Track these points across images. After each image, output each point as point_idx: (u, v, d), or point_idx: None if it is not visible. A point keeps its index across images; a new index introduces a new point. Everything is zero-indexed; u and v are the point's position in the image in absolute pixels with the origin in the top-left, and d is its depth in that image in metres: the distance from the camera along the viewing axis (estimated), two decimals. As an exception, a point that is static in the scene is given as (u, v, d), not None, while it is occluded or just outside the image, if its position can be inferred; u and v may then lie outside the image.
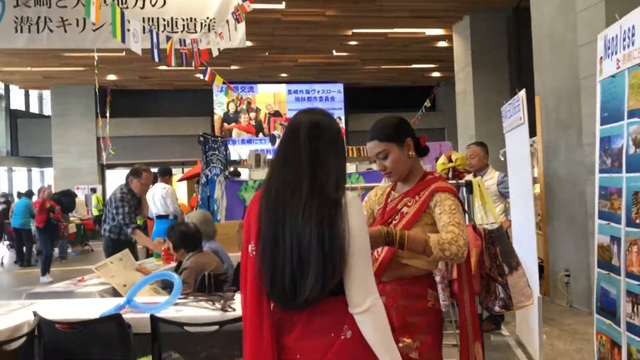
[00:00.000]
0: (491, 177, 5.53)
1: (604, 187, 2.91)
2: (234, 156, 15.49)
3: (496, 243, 2.91)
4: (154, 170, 8.94)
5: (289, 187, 1.68)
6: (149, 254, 7.78)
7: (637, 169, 2.57)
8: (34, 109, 22.37)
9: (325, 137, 1.74)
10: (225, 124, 19.49)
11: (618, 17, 2.78)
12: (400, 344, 2.31)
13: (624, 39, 2.66)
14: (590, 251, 5.85)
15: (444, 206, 2.24)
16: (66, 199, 12.05)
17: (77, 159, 19.09)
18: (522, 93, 4.49)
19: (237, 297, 3.32)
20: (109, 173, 20.28)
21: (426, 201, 2.30)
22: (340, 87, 19.74)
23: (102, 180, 20.01)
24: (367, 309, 1.64)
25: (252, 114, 19.21)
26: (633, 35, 2.59)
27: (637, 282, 2.55)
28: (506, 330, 5.49)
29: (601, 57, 2.95)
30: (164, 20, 7.17)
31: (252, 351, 1.70)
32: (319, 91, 19.74)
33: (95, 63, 9.22)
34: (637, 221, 2.54)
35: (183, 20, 7.25)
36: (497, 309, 2.95)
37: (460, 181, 3.46)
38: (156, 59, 6.30)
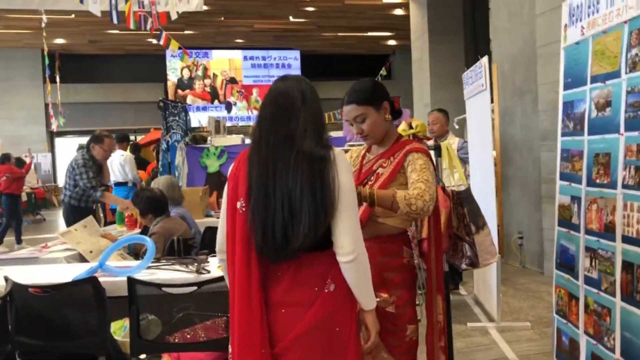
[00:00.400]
0: (452, 143, 5.67)
1: (565, 150, 3.05)
2: (194, 123, 15.22)
3: (464, 204, 3.02)
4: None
5: (279, 147, 1.75)
6: (106, 222, 7.66)
7: (598, 132, 2.70)
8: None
9: (309, 98, 1.82)
10: (180, 91, 19.09)
11: (582, -15, 2.88)
12: (378, 299, 2.40)
13: (589, 6, 2.77)
14: (544, 214, 6.12)
15: (415, 165, 2.32)
16: None
17: (24, 126, 18.42)
18: (485, 60, 4.60)
19: (211, 260, 3.36)
20: (58, 141, 19.68)
21: (400, 162, 2.37)
22: (297, 54, 19.59)
23: (52, 148, 19.39)
24: (355, 258, 1.75)
25: (207, 81, 18.88)
26: (598, 2, 2.69)
27: (595, 238, 2.71)
28: (464, 290, 5.73)
29: (566, 24, 3.05)
30: (122, -20, 6.93)
31: (240, 307, 1.75)
32: (275, 58, 19.54)
33: (44, 25, 8.82)
34: (597, 181, 2.69)
35: (141, -19, 7.02)
36: (464, 266, 3.08)
37: (429, 144, 3.55)
38: (115, 21, 6.11)
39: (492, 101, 7.19)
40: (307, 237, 1.71)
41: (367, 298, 1.86)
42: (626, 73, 2.48)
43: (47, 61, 9.76)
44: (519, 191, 6.95)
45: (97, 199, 5.40)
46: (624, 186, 2.48)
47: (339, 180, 1.74)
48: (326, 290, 1.76)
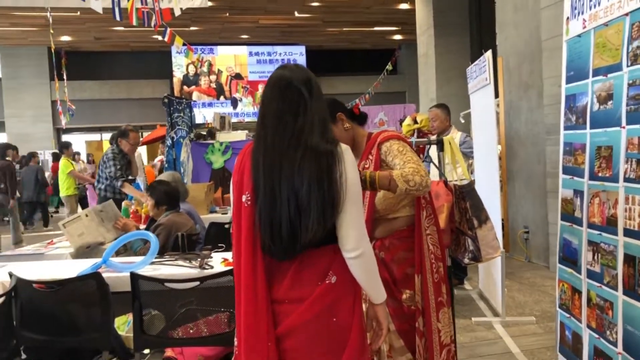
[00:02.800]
0: (455, 138, 5.65)
1: (568, 144, 3.04)
2: (198, 119, 15.28)
3: (467, 198, 3.02)
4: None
5: (286, 144, 1.73)
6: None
7: (600, 125, 2.69)
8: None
9: (315, 92, 1.80)
10: (185, 87, 19.13)
11: (584, -22, 2.86)
12: (404, 296, 2.41)
13: (591, -1, 2.75)
14: (549, 208, 6.10)
15: (393, 151, 2.32)
16: None
17: (31, 124, 18.49)
18: (488, 54, 4.58)
19: (214, 255, 3.37)
20: (65, 138, 19.74)
21: (377, 154, 2.36)
22: (302, 49, 19.57)
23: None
24: (361, 254, 1.74)
25: (213, 77, 18.89)
26: (599, -5, 2.68)
27: (598, 232, 2.69)
28: (469, 285, 5.72)
29: (568, 17, 3.03)
30: (125, -23, 6.93)
31: (247, 299, 1.75)
32: (280, 53, 19.54)
33: (50, 21, 8.84)
34: (600, 174, 2.68)
35: (144, -23, 7.02)
36: (466, 260, 3.08)
37: (432, 138, 3.54)
38: (117, 18, 6.13)
39: (497, 95, 7.18)
40: (315, 234, 1.70)
41: (376, 292, 1.85)
42: (627, 66, 2.46)
43: (53, 58, 9.77)
44: (525, 185, 6.93)
45: (119, 189, 5.60)
46: (626, 179, 2.46)
47: (346, 175, 1.73)
48: (327, 282, 1.76)
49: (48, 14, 8.91)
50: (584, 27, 2.84)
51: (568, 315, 3.05)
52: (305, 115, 1.74)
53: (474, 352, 3.95)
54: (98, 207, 4.21)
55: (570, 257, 3.00)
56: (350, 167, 1.75)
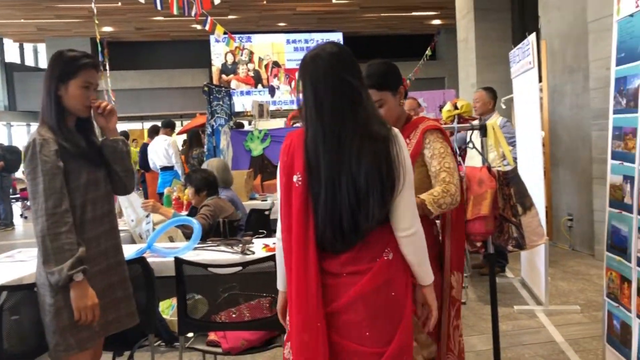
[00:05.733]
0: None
1: (617, 128, 2.94)
2: (237, 107, 15.36)
3: (511, 184, 2.97)
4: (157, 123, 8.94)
5: (345, 131, 1.72)
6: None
7: (653, 108, 2.60)
8: (29, 62, 22.04)
9: (364, 79, 1.81)
10: (224, 76, 19.28)
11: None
12: None
13: (644, -23, 2.64)
14: (594, 195, 5.94)
15: (434, 150, 2.27)
16: (11, 157, 10.97)
17: (75, 114, 18.93)
18: (533, 37, 4.47)
19: (255, 241, 3.40)
20: (108, 127, 20.18)
21: (420, 141, 2.31)
22: (339, 36, 19.46)
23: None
24: (414, 233, 1.78)
25: (251, 65, 18.97)
26: (653, -28, 2.57)
27: (649, 219, 2.61)
28: (511, 273, 5.63)
29: (618, -4, 2.93)
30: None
31: (298, 277, 1.75)
32: (318, 41, 19.45)
33: (95, 12, 9.01)
34: (651, 159, 2.59)
35: (184, -34, 7.07)
36: (510, 248, 3.03)
37: (474, 124, 3.48)
38: (158, 7, 6.20)
39: (540, 80, 7.00)
40: (374, 219, 1.72)
41: (425, 272, 1.87)
42: (684, 46, 2.36)
43: (99, 49, 9.96)
44: (569, 172, 6.75)
45: None
46: (681, 164, 2.37)
47: (404, 158, 1.75)
48: (385, 258, 1.77)
49: (93, 5, 9.07)
50: (637, 6, 2.73)
51: (616, 305, 2.97)
52: (365, 108, 1.75)
53: (516, 341, 3.89)
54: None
55: (619, 245, 2.91)
56: (405, 150, 1.78)
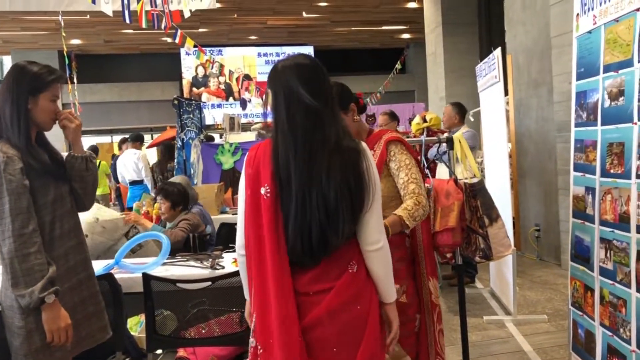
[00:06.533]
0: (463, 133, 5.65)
1: (579, 140, 3.02)
2: (208, 120, 15.23)
3: (477, 196, 3.02)
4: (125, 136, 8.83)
5: (315, 150, 1.72)
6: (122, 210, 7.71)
7: (611, 122, 2.67)
8: (-6, 75, 21.60)
9: (333, 94, 1.82)
10: (194, 89, 19.16)
11: (594, -26, 2.84)
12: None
13: (601, -5, 2.74)
14: (560, 205, 6.07)
15: (400, 162, 2.34)
16: None
17: (42, 127, 18.58)
18: (498, 52, 4.57)
19: (225, 255, 3.38)
20: (76, 140, 19.84)
21: (384, 152, 2.37)
22: (310, 49, 19.52)
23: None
24: (382, 247, 1.78)
25: (222, 78, 18.92)
26: (609, -9, 2.66)
27: (610, 229, 2.68)
28: (480, 284, 5.70)
29: (577, 14, 3.02)
30: (134, -20, 6.95)
31: (276, 292, 1.72)
32: (289, 54, 19.53)
33: (62, 24, 8.89)
34: (611, 171, 2.66)
35: (153, -20, 7.03)
36: (477, 259, 3.08)
37: (442, 137, 3.54)
38: (127, 20, 6.15)
39: (506, 93, 7.15)
40: (344, 236, 1.73)
41: (389, 287, 1.86)
42: (639, 62, 2.44)
43: (66, 61, 9.82)
44: (536, 183, 6.89)
45: None
46: (639, 176, 2.45)
47: (373, 172, 1.76)
48: (350, 271, 1.77)
49: (60, 17, 8.95)
50: (594, 24, 2.82)
51: (581, 314, 3.03)
52: (333, 117, 1.76)
53: (485, 351, 3.94)
54: (90, 219, 4.11)
55: (582, 255, 2.98)
56: (373, 166, 1.79)
